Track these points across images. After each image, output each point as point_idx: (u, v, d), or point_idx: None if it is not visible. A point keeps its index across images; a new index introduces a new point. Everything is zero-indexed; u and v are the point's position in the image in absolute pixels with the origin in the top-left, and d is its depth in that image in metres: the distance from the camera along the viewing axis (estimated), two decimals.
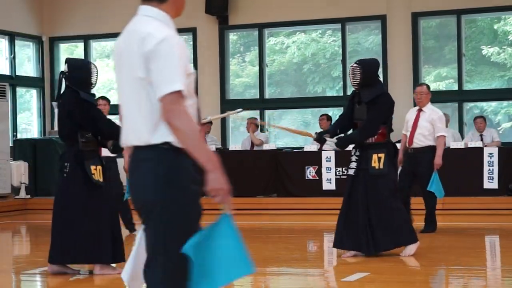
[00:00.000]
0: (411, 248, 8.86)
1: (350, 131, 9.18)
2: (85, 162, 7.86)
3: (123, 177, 11.22)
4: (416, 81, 17.62)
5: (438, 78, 17.89)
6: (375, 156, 8.77)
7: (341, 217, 8.86)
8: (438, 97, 17.86)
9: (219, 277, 3.83)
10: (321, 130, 15.19)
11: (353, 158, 8.91)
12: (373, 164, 8.76)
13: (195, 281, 3.80)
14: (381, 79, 9.08)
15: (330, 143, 9.38)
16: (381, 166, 8.75)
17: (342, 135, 9.16)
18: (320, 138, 9.07)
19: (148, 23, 3.84)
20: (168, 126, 3.72)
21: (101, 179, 7.94)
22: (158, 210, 3.84)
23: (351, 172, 8.88)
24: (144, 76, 3.77)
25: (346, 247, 8.88)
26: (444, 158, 13.79)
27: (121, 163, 10.78)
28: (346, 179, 9.08)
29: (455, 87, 17.62)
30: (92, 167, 7.89)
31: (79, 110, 7.84)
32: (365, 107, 8.83)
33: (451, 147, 14.69)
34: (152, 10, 3.91)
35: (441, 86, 17.85)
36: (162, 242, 3.84)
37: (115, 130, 7.96)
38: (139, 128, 3.84)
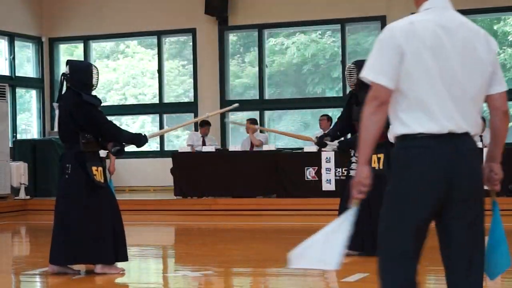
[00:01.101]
0: None
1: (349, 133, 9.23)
2: (86, 163, 7.87)
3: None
4: None
5: None
6: (374, 157, 8.78)
7: None
8: None
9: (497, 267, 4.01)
10: (321, 130, 15.21)
11: (353, 159, 8.93)
12: (372, 165, 8.78)
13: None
14: None
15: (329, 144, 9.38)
16: (381, 167, 8.78)
17: (343, 138, 9.17)
18: (321, 142, 9.11)
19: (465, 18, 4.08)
20: (503, 117, 3.99)
21: (102, 180, 7.96)
22: (483, 200, 4.01)
23: (352, 173, 8.90)
24: (492, 71, 3.92)
25: (350, 249, 8.91)
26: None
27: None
28: (346, 180, 9.09)
29: None
30: (94, 168, 7.90)
31: (81, 111, 7.85)
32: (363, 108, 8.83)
33: None
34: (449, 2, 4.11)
35: None
36: (482, 239, 3.95)
37: (116, 133, 7.98)
38: (475, 118, 3.94)
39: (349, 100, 9.10)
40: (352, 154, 8.98)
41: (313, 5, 18.31)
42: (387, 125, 9.39)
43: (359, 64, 8.96)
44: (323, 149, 9.95)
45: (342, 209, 8.93)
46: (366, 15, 18.03)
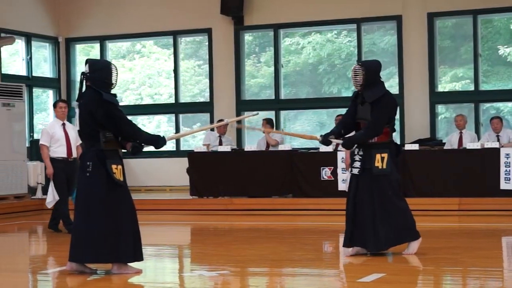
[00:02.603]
0: (414, 246, 8.99)
1: (353, 132, 9.27)
2: (106, 161, 7.90)
3: None
4: (432, 81, 17.59)
5: (454, 78, 17.83)
6: (378, 156, 8.88)
7: (349, 217, 9.00)
8: (454, 97, 17.84)
9: None
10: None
11: (356, 157, 9.02)
12: (376, 164, 8.87)
13: None
14: (382, 80, 9.13)
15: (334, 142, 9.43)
16: (384, 166, 8.87)
17: (347, 136, 9.22)
18: (325, 140, 9.17)
19: None
20: None
21: (121, 179, 7.98)
22: None
23: (355, 171, 8.98)
24: None
25: (357, 244, 8.97)
26: (461, 159, 13.82)
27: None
28: (350, 178, 9.15)
29: (471, 88, 17.56)
30: (113, 167, 7.93)
31: (102, 110, 7.88)
32: (369, 107, 8.92)
33: (468, 147, 14.65)
34: None
35: (457, 86, 17.79)
36: None
37: (135, 133, 8.01)
38: None
39: (354, 100, 9.16)
40: (356, 152, 9.03)
41: (329, 4, 18.29)
42: (391, 125, 9.48)
43: (364, 65, 9.05)
44: (338, 147, 9.97)
45: (350, 207, 9.01)
46: (382, 15, 17.99)
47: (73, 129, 12.26)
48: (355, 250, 9.02)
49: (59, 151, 12.15)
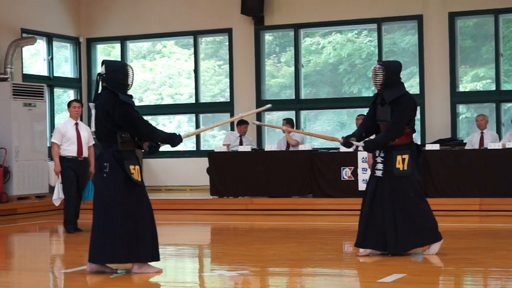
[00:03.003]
0: (435, 247, 8.99)
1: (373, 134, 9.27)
2: (124, 161, 7.92)
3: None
4: (453, 81, 17.52)
5: (476, 78, 17.75)
6: (399, 157, 8.88)
7: (363, 217, 9.01)
8: (476, 97, 17.77)
9: None
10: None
11: (378, 159, 9.01)
12: (397, 165, 8.87)
13: None
14: (403, 81, 9.12)
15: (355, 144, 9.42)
16: (405, 167, 8.87)
17: (368, 138, 9.21)
18: (347, 143, 9.17)
19: None
20: None
21: (139, 179, 8.01)
22: None
23: (379, 173, 8.95)
24: None
25: (369, 246, 8.97)
26: (482, 159, 13.74)
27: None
28: (370, 179, 9.13)
29: (493, 88, 17.49)
30: (131, 167, 7.96)
31: (118, 111, 7.91)
32: (388, 108, 8.92)
33: (489, 148, 14.59)
34: None
35: (478, 86, 17.72)
36: None
37: (151, 132, 8.04)
38: None
39: (374, 101, 9.15)
40: (377, 154, 9.01)
41: (349, 4, 18.26)
42: (412, 126, 9.48)
43: (385, 65, 9.02)
44: (359, 147, 9.98)
45: (366, 208, 9.01)
46: (403, 14, 17.94)
47: (86, 130, 12.49)
48: (368, 251, 9.01)
49: (70, 150, 12.39)
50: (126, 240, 7.88)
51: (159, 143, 8.17)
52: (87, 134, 12.50)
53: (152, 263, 8.15)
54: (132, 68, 8.20)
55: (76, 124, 12.53)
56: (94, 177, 8.21)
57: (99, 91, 8.16)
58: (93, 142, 12.67)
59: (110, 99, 7.97)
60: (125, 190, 7.94)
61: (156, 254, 8.10)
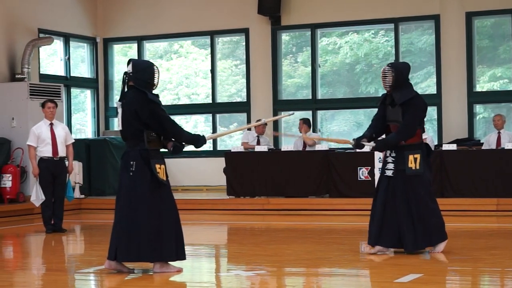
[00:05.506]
0: (441, 246, 9.11)
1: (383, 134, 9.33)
2: (150, 160, 7.94)
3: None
4: (470, 81, 17.46)
5: (493, 78, 17.70)
6: (411, 157, 9.00)
7: (375, 216, 9.11)
8: (493, 97, 17.70)
9: None
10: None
11: (389, 159, 9.15)
12: (409, 165, 8.99)
13: None
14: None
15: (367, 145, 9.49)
16: (417, 167, 8.99)
17: (379, 138, 9.28)
18: (358, 144, 9.29)
19: None
20: None
21: (165, 178, 8.02)
22: None
23: (389, 173, 9.06)
24: None
25: (384, 245, 9.02)
26: (499, 159, 13.69)
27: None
28: (381, 179, 9.21)
29: (510, 88, 17.43)
30: (157, 166, 7.96)
31: (147, 109, 7.93)
32: (399, 109, 9.03)
33: (506, 148, 14.54)
34: None
35: (495, 86, 17.66)
36: None
37: (178, 132, 8.06)
38: None
39: (383, 101, 9.22)
40: (387, 154, 9.10)
41: (366, 4, 18.24)
42: (422, 127, 9.55)
43: (394, 66, 9.14)
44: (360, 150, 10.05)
45: (377, 208, 9.05)
46: (420, 14, 17.90)
47: (62, 129, 12.67)
48: (377, 249, 9.08)
49: (45, 151, 12.54)
50: (150, 239, 7.88)
51: (183, 143, 8.18)
52: (63, 133, 12.65)
53: (178, 262, 8.15)
54: (158, 68, 8.22)
55: (51, 124, 12.65)
56: (120, 175, 8.17)
57: (126, 90, 8.17)
58: (72, 141, 12.83)
59: (138, 98, 7.98)
60: (150, 189, 7.95)
61: (181, 253, 8.09)
